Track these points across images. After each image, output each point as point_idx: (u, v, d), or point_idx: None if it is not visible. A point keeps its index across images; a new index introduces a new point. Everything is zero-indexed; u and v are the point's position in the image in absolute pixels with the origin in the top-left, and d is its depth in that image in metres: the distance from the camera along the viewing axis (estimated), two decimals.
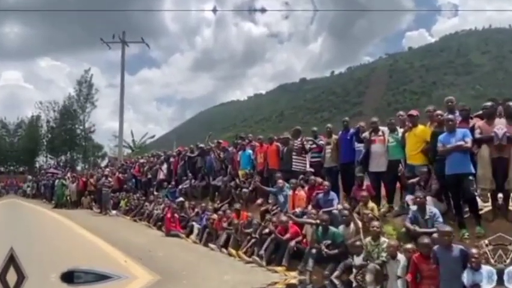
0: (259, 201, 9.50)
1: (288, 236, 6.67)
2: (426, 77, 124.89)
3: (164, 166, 14.11)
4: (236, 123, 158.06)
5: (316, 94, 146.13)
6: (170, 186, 13.00)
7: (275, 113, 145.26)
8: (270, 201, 9.34)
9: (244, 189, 9.43)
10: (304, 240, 6.76)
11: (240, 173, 10.17)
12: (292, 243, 6.53)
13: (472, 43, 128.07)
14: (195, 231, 9.54)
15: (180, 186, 12.44)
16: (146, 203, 13.28)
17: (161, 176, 14.08)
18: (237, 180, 9.75)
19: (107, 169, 18.73)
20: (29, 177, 29.98)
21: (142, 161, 16.07)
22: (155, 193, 13.37)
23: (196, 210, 10.31)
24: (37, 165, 48.33)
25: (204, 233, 9.07)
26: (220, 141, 11.90)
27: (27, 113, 55.51)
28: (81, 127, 48.38)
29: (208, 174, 11.70)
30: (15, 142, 52.96)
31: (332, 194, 7.19)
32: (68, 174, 20.72)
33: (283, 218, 6.83)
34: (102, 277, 2.30)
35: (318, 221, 6.41)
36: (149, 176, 14.90)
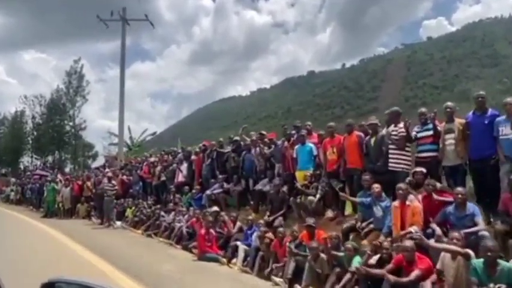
0: (329, 213, 7.47)
1: (416, 272, 4.62)
2: (448, 69, 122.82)
3: (184, 166, 12.07)
4: (238, 121, 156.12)
5: (326, 88, 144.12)
6: (194, 191, 10.95)
7: (281, 110, 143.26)
8: (346, 213, 7.35)
9: (310, 197, 7.36)
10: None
11: (299, 174, 8.09)
12: (428, 285, 4.48)
13: (498, 32, 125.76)
14: (241, 254, 7.49)
15: (208, 192, 10.39)
16: (162, 213, 11.25)
17: (180, 178, 12.04)
18: (298, 185, 7.66)
19: (107, 170, 16.71)
20: (13, 179, 27.94)
21: (152, 159, 14.01)
22: (178, 197, 11.31)
23: (238, 224, 8.26)
24: (21, 166, 46.38)
25: (257, 257, 7.04)
26: (264, 132, 9.83)
27: (10, 110, 53.85)
28: (70, 123, 46.44)
29: (248, 176, 9.64)
30: None
31: (471, 207, 5.11)
32: (59, 177, 18.65)
33: (408, 243, 4.76)
34: None
35: (467, 251, 4.36)
36: (163, 178, 12.86)
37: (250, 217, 7.96)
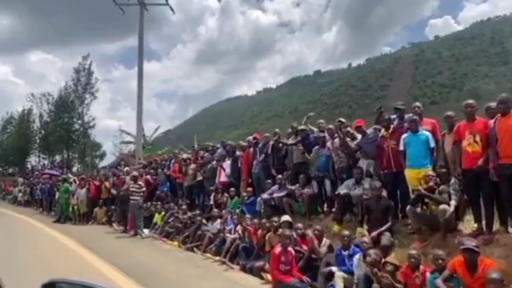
0: (462, 227, 5.26)
1: None
2: (457, 68, 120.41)
3: (227, 163, 9.91)
4: (244, 120, 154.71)
5: (333, 88, 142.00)
6: (245, 194, 8.75)
7: (288, 109, 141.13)
8: (494, 228, 5.12)
9: (443, 206, 5.12)
10: None
11: (410, 173, 5.87)
12: None
13: (508, 30, 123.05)
14: (340, 284, 5.29)
15: (265, 195, 8.18)
16: (204, 221, 9.06)
17: (222, 177, 9.87)
18: (421, 189, 5.39)
19: (127, 168, 14.55)
20: (20, 179, 25.83)
21: (185, 156, 11.81)
22: (226, 196, 9.16)
23: (325, 240, 6.04)
24: (29, 166, 44.48)
25: None
26: (342, 119, 7.58)
27: (18, 109, 52.23)
28: (79, 121, 44.57)
29: (322, 176, 7.41)
30: (4, 140, 49.47)
31: None
32: (72, 177, 16.47)
33: None
34: None
35: None
36: (200, 178, 10.70)
37: (345, 232, 5.73)
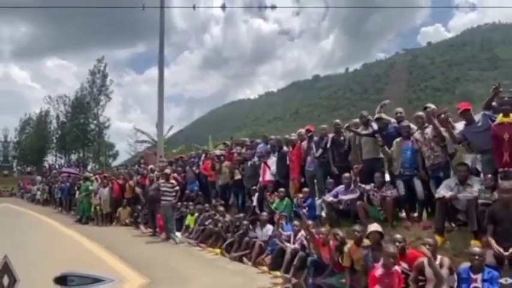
0: None
1: None
2: (449, 72, 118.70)
3: (272, 160, 8.16)
4: (247, 123, 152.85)
5: (332, 91, 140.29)
6: (301, 196, 7.01)
7: (289, 111, 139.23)
8: None
9: None
10: None
11: None
12: None
13: (497, 37, 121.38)
14: None
15: (329, 197, 6.43)
16: (250, 226, 7.33)
17: (267, 176, 8.13)
18: None
19: (151, 166, 12.83)
20: (39, 177, 24.14)
21: (217, 153, 10.09)
22: (277, 199, 7.39)
23: (442, 259, 4.29)
24: (46, 165, 43.05)
25: None
26: (431, 105, 5.84)
27: (35, 111, 51.13)
28: (95, 121, 43.24)
29: (411, 175, 5.64)
30: (22, 140, 48.22)
31: None
32: (93, 175, 14.74)
33: None
34: (94, 280, 1.89)
35: None
36: (238, 176, 8.97)
37: (475, 249, 4.01)
